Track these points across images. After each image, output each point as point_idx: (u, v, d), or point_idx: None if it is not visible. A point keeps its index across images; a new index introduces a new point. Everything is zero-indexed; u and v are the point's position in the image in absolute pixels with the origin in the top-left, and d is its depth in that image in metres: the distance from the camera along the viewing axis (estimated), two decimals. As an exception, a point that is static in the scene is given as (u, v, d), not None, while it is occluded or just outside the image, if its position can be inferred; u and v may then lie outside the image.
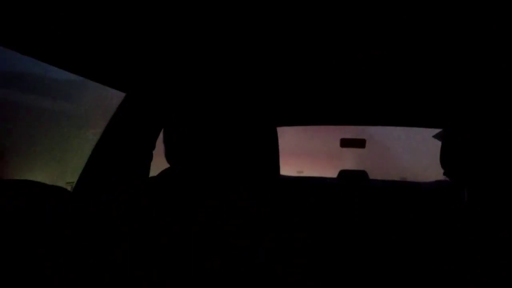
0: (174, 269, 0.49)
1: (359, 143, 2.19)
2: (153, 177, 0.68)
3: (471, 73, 1.08)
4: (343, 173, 2.11)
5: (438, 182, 1.76)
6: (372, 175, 2.09)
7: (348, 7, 0.70)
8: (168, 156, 0.67)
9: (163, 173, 0.66)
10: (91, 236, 0.46)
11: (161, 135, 0.75)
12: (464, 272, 0.80)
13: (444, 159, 0.96)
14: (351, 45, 0.90)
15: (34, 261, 0.37)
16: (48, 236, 0.39)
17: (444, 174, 0.99)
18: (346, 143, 2.20)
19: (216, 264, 0.51)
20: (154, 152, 1.40)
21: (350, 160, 3.07)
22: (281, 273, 0.52)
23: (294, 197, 1.71)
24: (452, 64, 1.01)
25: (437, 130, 1.85)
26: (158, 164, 1.10)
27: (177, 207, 0.57)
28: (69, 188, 1.52)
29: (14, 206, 0.40)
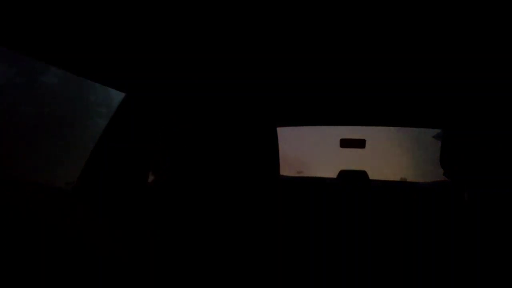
0: (175, 267, 0.49)
1: (359, 143, 2.19)
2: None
3: (471, 73, 1.08)
4: (343, 173, 2.11)
5: (438, 182, 1.76)
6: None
7: (348, 7, 0.70)
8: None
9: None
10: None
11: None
12: (465, 270, 0.80)
13: (444, 160, 0.96)
14: (351, 45, 0.90)
15: (34, 261, 0.37)
16: (48, 237, 0.39)
17: (444, 174, 0.99)
18: (346, 143, 2.20)
19: (217, 263, 0.51)
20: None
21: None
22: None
23: (294, 197, 1.71)
24: (452, 64, 1.01)
25: (437, 130, 1.85)
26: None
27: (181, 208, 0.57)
28: (69, 188, 1.52)
29: (14, 206, 0.40)
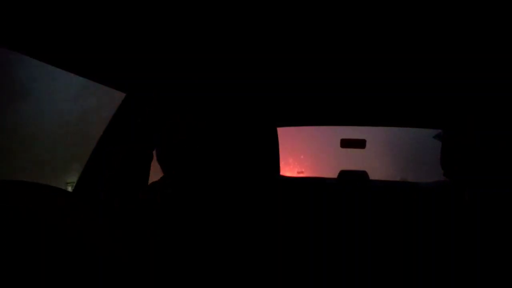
0: (179, 266, 0.49)
1: (359, 144, 2.18)
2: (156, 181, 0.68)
3: (471, 73, 1.08)
4: (343, 174, 2.10)
5: (438, 182, 1.76)
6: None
7: (348, 7, 0.70)
8: (161, 159, 0.67)
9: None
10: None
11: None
12: (465, 270, 0.80)
13: (444, 160, 0.96)
14: (351, 45, 0.90)
15: (34, 261, 0.37)
16: (48, 237, 0.39)
17: (444, 174, 0.99)
18: (346, 143, 2.20)
19: (220, 262, 0.51)
20: (154, 152, 1.40)
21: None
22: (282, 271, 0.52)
23: (294, 197, 1.71)
24: (452, 64, 1.01)
25: (437, 130, 1.85)
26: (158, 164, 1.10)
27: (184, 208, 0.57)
28: (69, 188, 1.52)
29: (13, 206, 0.40)
